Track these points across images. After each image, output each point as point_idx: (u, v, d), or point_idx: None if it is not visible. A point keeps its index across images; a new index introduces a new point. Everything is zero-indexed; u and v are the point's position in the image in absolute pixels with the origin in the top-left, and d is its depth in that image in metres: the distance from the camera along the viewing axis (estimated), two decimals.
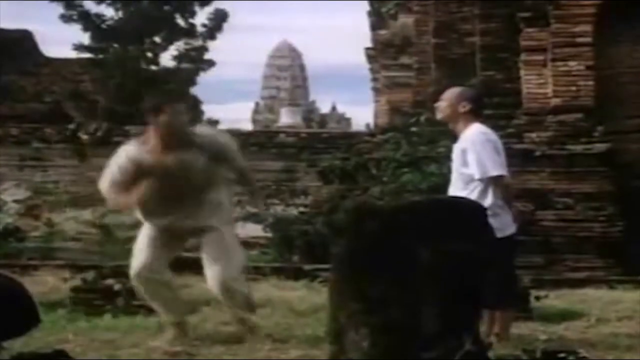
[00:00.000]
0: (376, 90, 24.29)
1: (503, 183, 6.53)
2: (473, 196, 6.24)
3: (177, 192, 6.35)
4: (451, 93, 6.77)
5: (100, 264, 8.09)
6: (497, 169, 6.46)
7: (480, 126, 6.63)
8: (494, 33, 15.09)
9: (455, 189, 6.56)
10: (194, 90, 31.26)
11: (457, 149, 6.64)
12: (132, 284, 6.60)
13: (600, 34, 13.80)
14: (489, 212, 5.70)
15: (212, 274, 6.41)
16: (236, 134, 19.94)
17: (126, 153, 6.43)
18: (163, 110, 6.34)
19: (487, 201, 6.28)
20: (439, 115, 6.82)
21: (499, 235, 5.85)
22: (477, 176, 6.43)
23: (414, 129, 15.79)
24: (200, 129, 6.84)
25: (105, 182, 6.43)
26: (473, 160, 6.44)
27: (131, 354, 5.91)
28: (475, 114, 6.71)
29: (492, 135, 6.65)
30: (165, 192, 6.33)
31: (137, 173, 6.31)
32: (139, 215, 6.57)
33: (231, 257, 6.47)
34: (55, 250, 14.43)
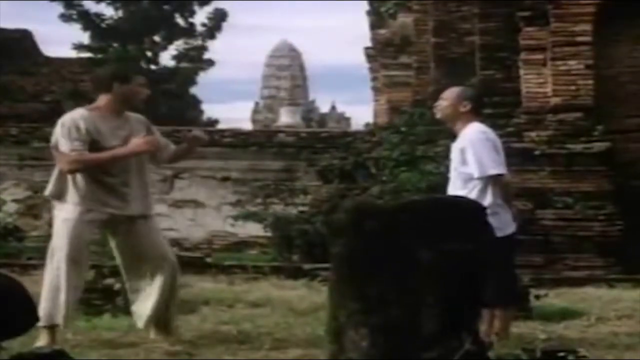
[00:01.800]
0: (376, 90, 24.29)
1: (502, 182, 6.53)
2: (472, 195, 6.24)
3: (124, 171, 6.30)
4: (452, 92, 6.76)
5: (100, 263, 8.07)
6: (496, 167, 6.46)
7: (479, 125, 6.63)
8: (494, 32, 15.09)
9: (454, 188, 6.56)
10: (194, 90, 31.28)
11: (455, 148, 6.64)
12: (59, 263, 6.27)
13: (599, 33, 13.80)
14: (488, 211, 5.71)
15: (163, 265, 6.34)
16: (236, 133, 19.98)
17: (81, 114, 6.34)
18: (130, 80, 6.44)
19: (487, 200, 6.28)
20: (439, 114, 6.82)
21: (498, 234, 5.84)
22: (476, 175, 6.42)
23: (411, 128, 15.80)
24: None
25: (65, 144, 6.22)
26: (472, 159, 6.44)
27: (131, 353, 5.91)
28: (475, 114, 6.71)
29: (491, 134, 6.65)
30: (114, 170, 6.27)
31: (91, 137, 6.23)
32: (74, 203, 6.25)
33: (169, 249, 6.53)
34: None
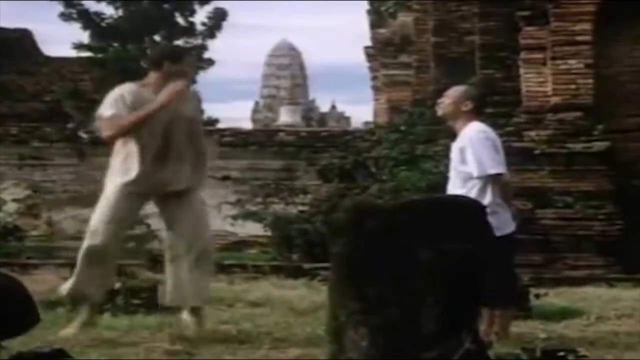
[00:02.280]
0: (376, 89, 24.31)
1: (502, 181, 6.53)
2: (472, 194, 6.23)
3: (170, 143, 6.35)
4: (455, 91, 6.75)
5: None
6: (496, 167, 6.46)
7: (479, 124, 6.63)
8: (494, 32, 15.10)
9: (454, 187, 6.55)
10: (194, 89, 31.27)
11: (455, 147, 6.64)
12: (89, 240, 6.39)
13: (599, 32, 13.81)
14: (488, 211, 5.71)
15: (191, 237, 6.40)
16: (236, 132, 19.99)
17: (129, 87, 6.42)
18: (183, 60, 6.55)
19: (486, 199, 6.28)
20: (440, 112, 6.81)
21: (498, 233, 5.84)
22: (475, 174, 6.42)
23: (411, 127, 15.81)
24: None
25: (106, 112, 6.30)
26: (472, 158, 6.44)
27: (131, 353, 5.90)
28: (477, 113, 6.71)
29: (491, 133, 6.65)
30: (160, 141, 6.32)
31: (136, 110, 6.29)
32: (118, 176, 6.35)
33: (207, 225, 6.59)
34: (54, 249, 14.45)
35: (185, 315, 6.57)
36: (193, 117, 6.59)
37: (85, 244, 6.38)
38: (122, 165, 6.35)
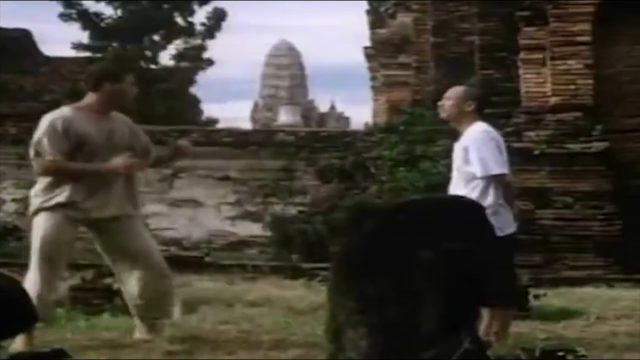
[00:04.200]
0: (375, 89, 24.31)
1: (505, 181, 6.52)
2: (474, 194, 6.23)
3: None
4: (457, 92, 6.74)
5: (100, 262, 8.06)
6: (499, 167, 6.45)
7: (483, 124, 6.61)
8: (493, 32, 15.09)
9: (456, 188, 6.54)
10: (193, 89, 31.25)
11: (458, 147, 6.62)
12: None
13: (599, 32, 13.81)
14: (490, 211, 5.71)
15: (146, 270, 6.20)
16: (235, 132, 19.98)
17: (62, 114, 6.16)
18: (121, 79, 6.29)
19: (489, 200, 6.27)
20: (443, 114, 6.78)
21: (499, 234, 5.82)
22: (478, 174, 6.41)
23: (410, 127, 15.81)
24: None
25: (48, 150, 6.01)
26: (475, 158, 6.42)
27: (130, 353, 5.90)
28: (479, 114, 6.70)
29: (494, 133, 6.63)
30: (107, 159, 6.11)
31: (74, 139, 6.07)
32: (54, 198, 6.08)
33: (154, 248, 6.39)
34: None
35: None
36: (128, 144, 6.29)
37: (34, 269, 6.04)
38: (52, 187, 6.12)
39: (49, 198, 6.12)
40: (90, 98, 6.27)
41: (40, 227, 6.09)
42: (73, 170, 6.09)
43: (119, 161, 6.10)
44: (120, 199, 6.24)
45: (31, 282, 6.00)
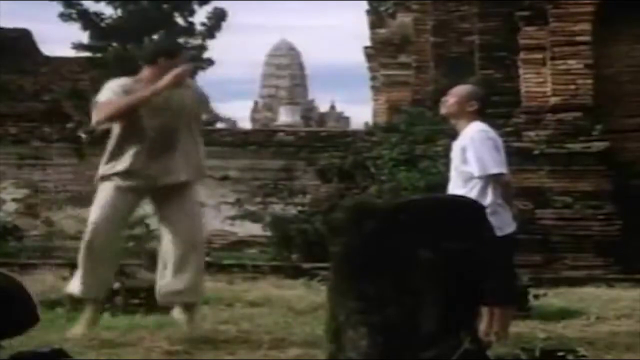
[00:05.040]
0: (375, 89, 24.28)
1: (503, 181, 6.52)
2: (473, 194, 6.23)
3: (166, 138, 6.19)
4: (461, 90, 6.73)
5: None
6: (497, 166, 6.45)
7: (481, 124, 6.61)
8: (493, 32, 15.10)
9: (455, 187, 6.54)
10: None
11: (456, 146, 6.62)
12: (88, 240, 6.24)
13: (599, 32, 13.81)
14: (488, 210, 5.71)
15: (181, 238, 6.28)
16: (235, 132, 19.97)
17: (121, 83, 6.29)
18: (176, 55, 6.40)
19: (487, 199, 6.28)
20: (444, 110, 6.77)
21: (498, 233, 5.82)
22: (477, 174, 6.41)
23: (410, 127, 15.81)
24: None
25: (101, 97, 6.18)
26: (473, 157, 6.43)
27: (130, 353, 5.90)
28: (480, 114, 6.70)
29: (492, 132, 6.64)
30: (155, 135, 6.16)
31: None
32: (115, 167, 6.17)
33: (200, 222, 6.50)
34: (54, 249, 14.45)
35: (177, 314, 6.50)
36: (191, 108, 6.38)
37: (85, 242, 6.27)
38: (114, 156, 6.21)
39: (110, 167, 6.20)
40: (146, 72, 6.34)
41: (98, 196, 6.22)
42: (123, 105, 6.13)
43: (166, 77, 6.12)
44: (185, 164, 6.28)
45: (83, 257, 6.16)
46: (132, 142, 6.17)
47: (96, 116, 6.21)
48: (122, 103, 6.14)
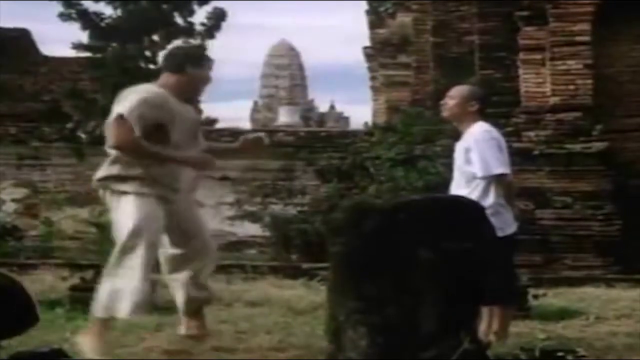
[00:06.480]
0: (375, 89, 24.30)
1: (506, 181, 6.52)
2: (475, 194, 6.22)
3: (178, 149, 5.79)
4: (461, 91, 6.72)
5: (99, 262, 8.05)
6: (500, 167, 6.44)
7: (484, 124, 6.61)
8: (493, 32, 15.10)
9: (457, 187, 6.54)
10: None
11: (460, 146, 6.62)
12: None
13: (598, 32, 13.81)
14: (490, 211, 5.72)
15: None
16: (235, 132, 19.96)
17: (146, 97, 5.70)
18: (203, 65, 5.97)
19: (489, 199, 6.27)
20: (446, 113, 6.76)
21: (499, 234, 5.82)
22: (480, 174, 6.40)
23: (410, 127, 15.82)
24: None
25: (127, 132, 5.55)
26: (476, 158, 6.42)
27: (129, 353, 5.90)
28: (482, 114, 6.69)
29: (495, 133, 6.63)
30: (180, 147, 5.78)
31: (158, 120, 5.65)
32: (142, 182, 5.69)
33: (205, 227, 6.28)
34: (53, 249, 14.44)
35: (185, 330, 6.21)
36: (195, 118, 6.12)
37: (138, 257, 5.68)
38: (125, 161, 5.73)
39: (121, 169, 5.74)
40: (170, 79, 5.87)
41: (121, 209, 5.78)
42: (148, 153, 5.63)
43: (197, 157, 5.83)
44: (188, 173, 5.93)
45: (112, 255, 5.78)
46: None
47: (117, 140, 5.67)
48: (154, 153, 5.65)
